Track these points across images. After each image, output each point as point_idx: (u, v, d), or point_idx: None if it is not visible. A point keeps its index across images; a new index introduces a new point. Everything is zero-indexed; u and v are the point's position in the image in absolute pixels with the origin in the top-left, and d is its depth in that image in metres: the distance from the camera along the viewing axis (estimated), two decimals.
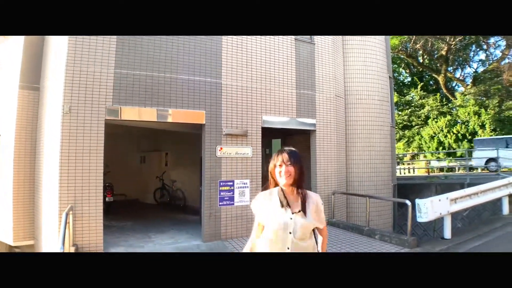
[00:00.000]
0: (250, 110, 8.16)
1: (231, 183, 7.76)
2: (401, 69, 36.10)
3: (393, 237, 7.33)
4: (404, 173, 22.61)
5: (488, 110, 24.77)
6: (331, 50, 9.76)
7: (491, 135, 23.21)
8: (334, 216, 9.29)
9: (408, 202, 7.22)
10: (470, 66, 33.16)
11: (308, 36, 9.38)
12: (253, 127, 8.12)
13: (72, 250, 5.82)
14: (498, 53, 30.32)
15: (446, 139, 25.18)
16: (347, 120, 10.37)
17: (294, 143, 11.02)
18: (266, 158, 12.88)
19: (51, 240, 6.42)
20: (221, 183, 7.65)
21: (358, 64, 10.61)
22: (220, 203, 7.64)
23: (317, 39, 9.55)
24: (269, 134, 10.03)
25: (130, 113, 6.91)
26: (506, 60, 27.74)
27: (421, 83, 31.16)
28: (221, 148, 7.64)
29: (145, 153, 14.93)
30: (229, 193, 7.73)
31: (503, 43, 28.40)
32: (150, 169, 14.23)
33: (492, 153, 17.00)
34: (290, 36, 8.91)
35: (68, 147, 6.31)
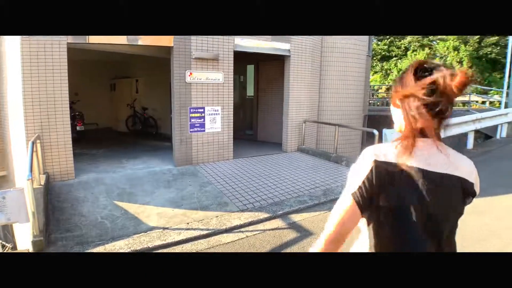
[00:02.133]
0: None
1: (202, 110, 7.70)
2: None
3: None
4: (378, 105, 22.80)
5: (467, 46, 24.50)
6: None
7: None
8: (304, 143, 9.50)
9: (375, 131, 7.43)
10: None
11: None
12: (224, 51, 7.88)
13: (43, 178, 5.80)
14: None
15: None
16: (323, 46, 10.14)
17: (267, 69, 10.85)
18: (240, 85, 12.70)
19: (21, 170, 6.37)
20: (192, 110, 7.57)
21: None
22: (191, 130, 7.62)
23: None
24: (242, 60, 9.78)
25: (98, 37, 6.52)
26: None
27: None
28: (190, 73, 7.44)
29: (115, 80, 14.48)
30: (199, 120, 7.68)
31: None
32: (121, 97, 13.88)
33: None
34: None
35: (30, 74, 6.00)
